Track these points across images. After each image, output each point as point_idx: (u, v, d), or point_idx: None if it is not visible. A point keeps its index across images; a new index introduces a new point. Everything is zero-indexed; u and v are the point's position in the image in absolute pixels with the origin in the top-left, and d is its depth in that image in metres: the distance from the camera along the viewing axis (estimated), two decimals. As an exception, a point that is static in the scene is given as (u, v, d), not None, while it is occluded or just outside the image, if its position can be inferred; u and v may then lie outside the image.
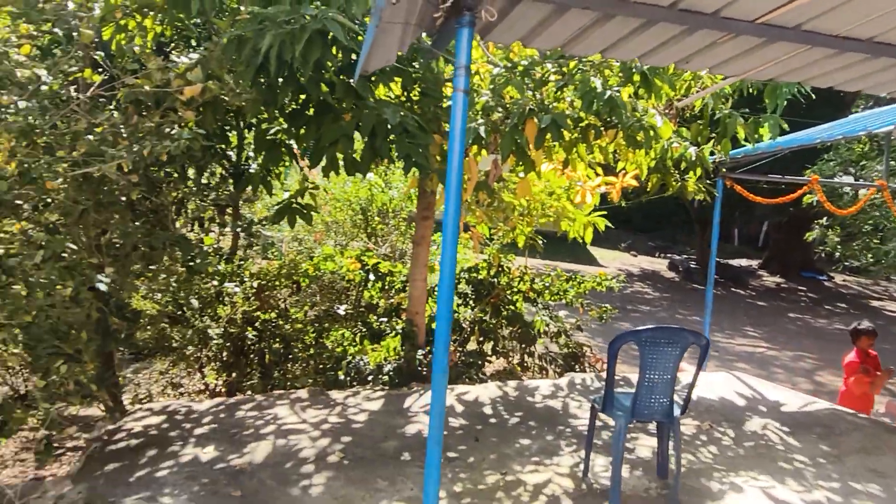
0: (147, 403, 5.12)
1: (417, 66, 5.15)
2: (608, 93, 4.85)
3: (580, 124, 5.52)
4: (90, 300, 3.49)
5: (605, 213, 7.12)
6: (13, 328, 3.29)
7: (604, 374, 6.44)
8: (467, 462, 4.20)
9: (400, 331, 6.16)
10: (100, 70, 4.53)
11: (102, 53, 4.91)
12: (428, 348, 6.13)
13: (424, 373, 5.90)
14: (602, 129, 5.50)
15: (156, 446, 4.25)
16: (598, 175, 6.64)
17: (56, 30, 4.63)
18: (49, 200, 3.68)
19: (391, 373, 5.71)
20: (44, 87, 3.92)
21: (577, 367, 7.21)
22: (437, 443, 2.79)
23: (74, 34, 4.45)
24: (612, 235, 23.84)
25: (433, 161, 5.08)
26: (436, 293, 6.88)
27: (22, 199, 3.43)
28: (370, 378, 5.78)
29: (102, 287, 3.46)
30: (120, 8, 4.78)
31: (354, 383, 5.77)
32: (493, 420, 4.98)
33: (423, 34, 3.75)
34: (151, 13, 4.95)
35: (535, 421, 5.00)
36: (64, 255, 3.27)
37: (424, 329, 6.21)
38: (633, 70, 5.18)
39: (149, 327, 5.63)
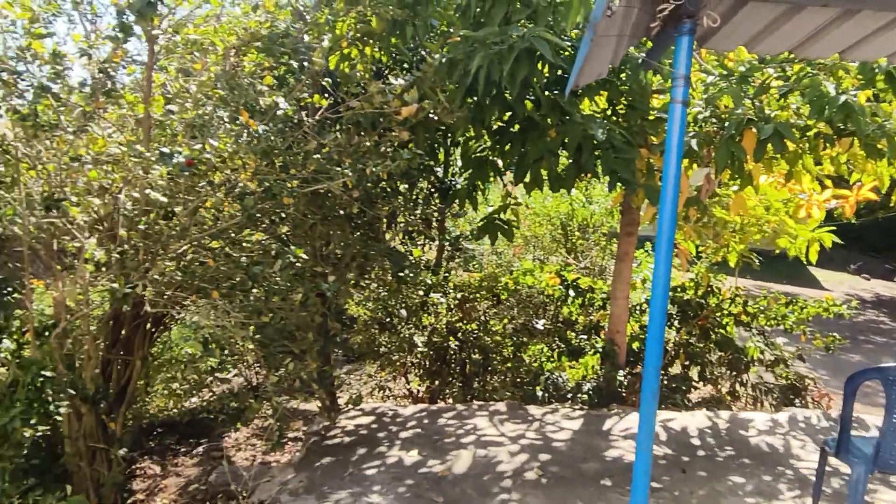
0: (358, 404, 5.47)
1: (624, 78, 5.02)
2: (842, 97, 4.34)
3: (807, 133, 5.01)
4: (316, 305, 3.82)
5: (833, 229, 6.38)
6: (251, 327, 3.69)
7: (832, 413, 5.76)
8: (673, 494, 3.96)
9: (599, 349, 6.00)
10: (326, 95, 4.97)
11: (329, 80, 5.39)
12: (629, 369, 5.90)
13: (625, 394, 5.69)
14: (834, 137, 4.94)
15: (365, 445, 4.53)
16: (825, 188, 5.97)
17: (292, 61, 5.17)
18: (283, 215, 4.09)
19: (590, 392, 5.57)
20: (279, 112, 4.38)
21: (797, 401, 6.52)
22: (645, 472, 2.65)
23: (306, 64, 4.94)
24: (838, 256, 21.33)
25: (639, 176, 4.90)
26: (637, 312, 6.64)
27: (262, 213, 3.85)
28: (568, 396, 5.68)
29: (329, 293, 3.76)
30: (345, 38, 5.23)
31: (552, 400, 5.72)
32: (701, 452, 4.65)
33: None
34: (371, 41, 5.33)
35: (750, 458, 4.58)
36: (297, 264, 3.60)
37: (625, 349, 5.99)
38: (875, 70, 4.60)
39: (361, 332, 6.05)
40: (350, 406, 5.24)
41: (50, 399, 3.52)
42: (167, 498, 4.98)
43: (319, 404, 5.31)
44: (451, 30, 5.13)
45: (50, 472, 3.97)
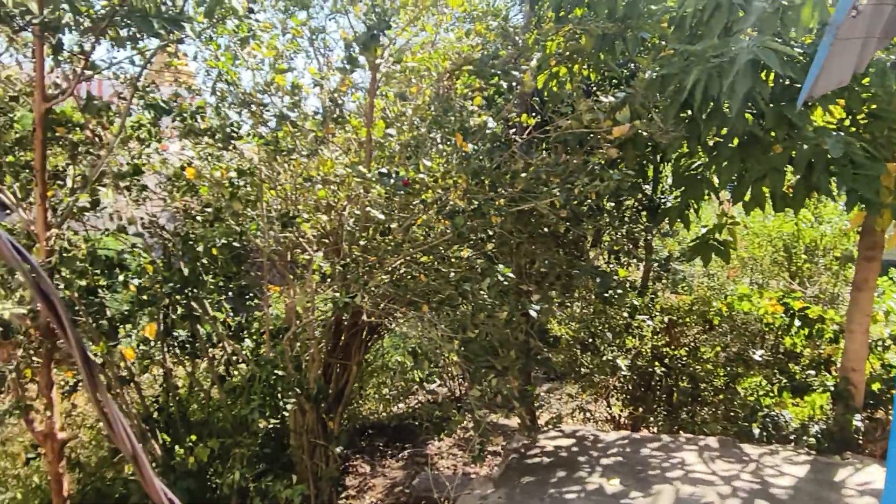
0: (558, 424, 5.41)
1: (867, 84, 4.45)
2: None
3: None
4: (521, 323, 3.84)
5: None
6: (456, 341, 3.81)
7: None
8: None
9: (830, 387, 5.35)
10: (533, 114, 5.01)
11: (537, 99, 5.44)
12: (867, 413, 5.19)
13: (862, 442, 5.00)
14: None
15: (565, 468, 4.45)
16: None
17: (502, 82, 5.29)
18: (490, 233, 4.17)
19: (818, 435, 4.97)
20: (487, 132, 4.49)
21: None
22: (893, 537, 2.29)
23: (514, 84, 5.02)
24: None
25: (885, 194, 4.31)
26: (879, 348, 5.82)
27: (470, 231, 3.96)
28: (791, 437, 5.13)
29: (532, 312, 3.77)
30: (553, 56, 5.24)
31: (771, 440, 5.19)
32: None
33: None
34: (579, 58, 5.28)
35: None
36: (504, 282, 3.66)
37: (863, 389, 5.27)
38: None
39: (562, 352, 5.98)
40: (550, 426, 5.19)
41: (280, 395, 3.91)
42: (375, 496, 5.29)
43: (519, 421, 5.34)
44: (664, 43, 4.92)
45: (277, 461, 4.41)
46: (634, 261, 6.21)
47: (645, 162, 5.56)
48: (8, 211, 4.41)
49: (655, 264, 6.35)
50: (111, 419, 0.83)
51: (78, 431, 4.73)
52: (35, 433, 3.71)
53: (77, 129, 3.97)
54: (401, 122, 4.94)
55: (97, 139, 4.05)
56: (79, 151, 4.02)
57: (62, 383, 4.17)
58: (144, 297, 3.95)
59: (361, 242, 4.20)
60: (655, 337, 5.96)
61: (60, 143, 3.98)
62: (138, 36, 3.50)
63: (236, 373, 4.62)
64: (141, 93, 3.98)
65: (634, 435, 5.21)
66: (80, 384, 4.25)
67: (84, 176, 3.98)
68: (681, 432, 5.44)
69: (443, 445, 6.03)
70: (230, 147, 4.33)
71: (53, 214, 3.76)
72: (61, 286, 3.76)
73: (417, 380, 6.35)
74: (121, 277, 4.04)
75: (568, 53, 5.21)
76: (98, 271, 3.97)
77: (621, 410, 6.14)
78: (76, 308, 3.81)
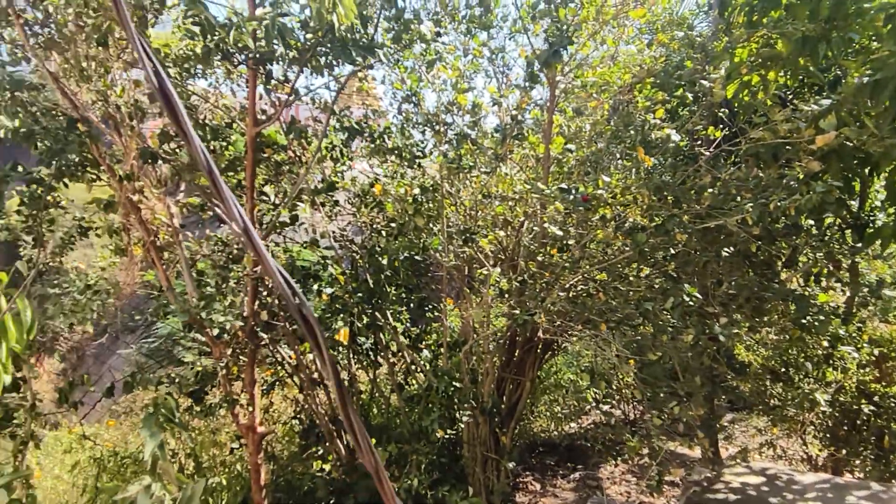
0: (745, 459, 5.01)
1: None
2: None
3: None
4: (707, 348, 3.62)
5: None
6: (632, 361, 3.66)
7: None
8: None
9: None
10: (721, 126, 4.72)
11: (726, 110, 5.12)
12: None
13: None
14: None
15: (754, 507, 4.10)
16: None
17: (686, 93, 5.06)
18: (673, 251, 3.98)
19: None
20: (670, 145, 4.29)
21: None
22: None
23: (700, 95, 4.77)
24: None
25: None
26: None
27: (652, 248, 3.81)
28: None
29: (722, 337, 3.53)
30: (745, 64, 4.91)
31: None
32: None
33: None
34: (774, 65, 4.91)
35: None
36: (689, 303, 3.47)
37: None
38: None
39: (750, 380, 5.54)
40: (736, 460, 4.82)
41: (456, 407, 3.99)
42: (545, 516, 5.23)
43: (701, 452, 5.01)
44: (877, 43, 4.44)
45: (451, 470, 4.50)
46: (838, 285, 5.60)
47: (851, 175, 5.01)
48: (219, 224, 4.95)
49: (865, 289, 5.69)
50: (359, 435, 0.89)
51: (274, 427, 5.16)
52: (239, 425, 4.09)
53: (280, 150, 4.36)
54: (579, 137, 4.89)
55: (298, 159, 4.41)
56: (282, 170, 4.40)
57: (262, 382, 4.57)
58: (337, 306, 4.21)
59: (538, 258, 4.20)
60: (862, 371, 5.33)
61: (266, 163, 4.38)
62: (334, 63, 3.77)
63: (414, 382, 4.80)
64: (337, 116, 4.28)
65: (837, 479, 4.68)
66: (278, 383, 4.64)
67: (285, 192, 4.36)
68: (894, 482, 4.81)
69: (615, 470, 5.83)
70: (415, 165, 4.52)
71: (260, 228, 4.15)
72: (264, 293, 4.13)
73: (591, 400, 6.19)
74: (315, 286, 4.35)
75: (761, 60, 4.86)
76: (296, 280, 4.32)
77: (819, 450, 5.55)
78: (276, 314, 4.17)
